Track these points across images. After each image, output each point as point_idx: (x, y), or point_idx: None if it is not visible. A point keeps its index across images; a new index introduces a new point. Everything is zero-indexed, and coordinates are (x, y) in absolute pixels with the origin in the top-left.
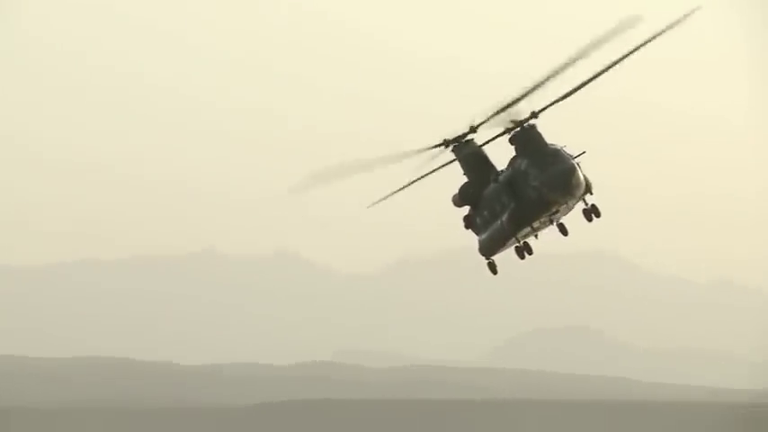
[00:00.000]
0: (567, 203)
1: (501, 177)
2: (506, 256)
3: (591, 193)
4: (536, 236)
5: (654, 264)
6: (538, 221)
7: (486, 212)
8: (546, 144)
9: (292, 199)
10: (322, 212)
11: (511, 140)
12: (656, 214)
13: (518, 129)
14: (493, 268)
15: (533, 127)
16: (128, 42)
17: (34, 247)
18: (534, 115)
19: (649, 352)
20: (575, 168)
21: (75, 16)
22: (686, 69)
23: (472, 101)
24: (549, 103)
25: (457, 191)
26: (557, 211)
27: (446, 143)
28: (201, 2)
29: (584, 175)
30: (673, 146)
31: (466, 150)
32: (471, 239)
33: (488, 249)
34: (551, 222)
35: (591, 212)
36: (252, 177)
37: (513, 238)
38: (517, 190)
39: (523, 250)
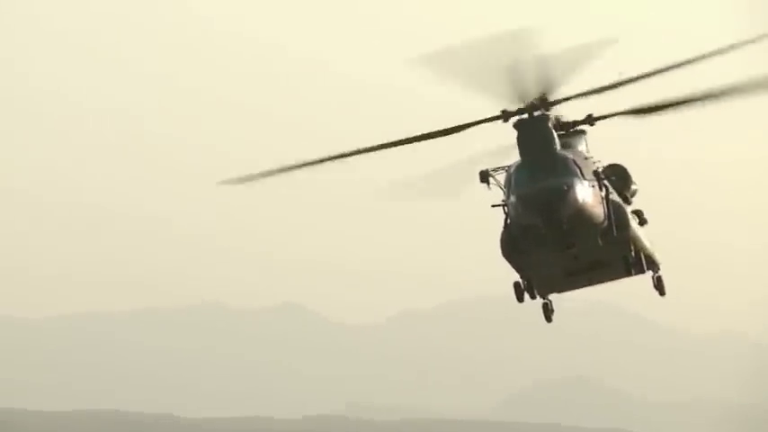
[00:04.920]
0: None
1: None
2: (512, 307)
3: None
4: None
5: (656, 313)
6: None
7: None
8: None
9: (296, 249)
10: (326, 262)
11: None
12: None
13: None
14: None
15: (543, 121)
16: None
17: (35, 298)
18: (591, 121)
19: (653, 403)
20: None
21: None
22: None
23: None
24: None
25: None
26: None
27: (505, 115)
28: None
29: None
30: (673, 193)
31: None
32: (476, 290)
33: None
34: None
35: (659, 285)
36: (255, 226)
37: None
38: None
39: (550, 311)
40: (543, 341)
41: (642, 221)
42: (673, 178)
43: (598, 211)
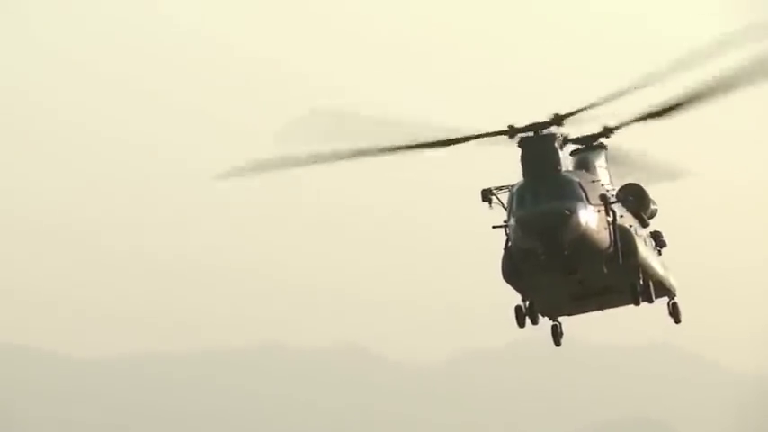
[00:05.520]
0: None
1: None
2: (576, 345)
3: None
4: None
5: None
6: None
7: None
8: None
9: (354, 288)
10: (385, 300)
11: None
12: (722, 301)
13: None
14: (554, 334)
15: (548, 139)
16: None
17: (93, 338)
18: (607, 133)
19: None
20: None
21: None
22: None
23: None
24: (633, 118)
25: None
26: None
27: (511, 131)
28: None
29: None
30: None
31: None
32: (536, 329)
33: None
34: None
35: (674, 311)
36: (310, 264)
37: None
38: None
39: (559, 334)
40: (605, 381)
41: (660, 244)
42: (713, 201)
43: (603, 237)
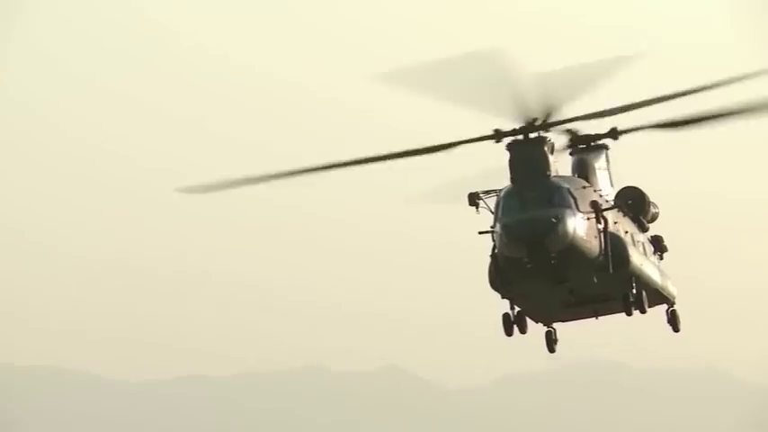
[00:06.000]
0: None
1: None
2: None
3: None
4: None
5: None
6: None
7: None
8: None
9: (396, 311)
10: (427, 323)
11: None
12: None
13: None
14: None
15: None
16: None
17: (137, 362)
18: (614, 135)
19: None
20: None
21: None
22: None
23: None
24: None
25: None
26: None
27: (498, 135)
28: None
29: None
30: None
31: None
32: (586, 354)
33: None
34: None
35: (673, 320)
36: (351, 287)
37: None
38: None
39: (553, 340)
40: (648, 405)
41: (661, 249)
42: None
43: (592, 245)
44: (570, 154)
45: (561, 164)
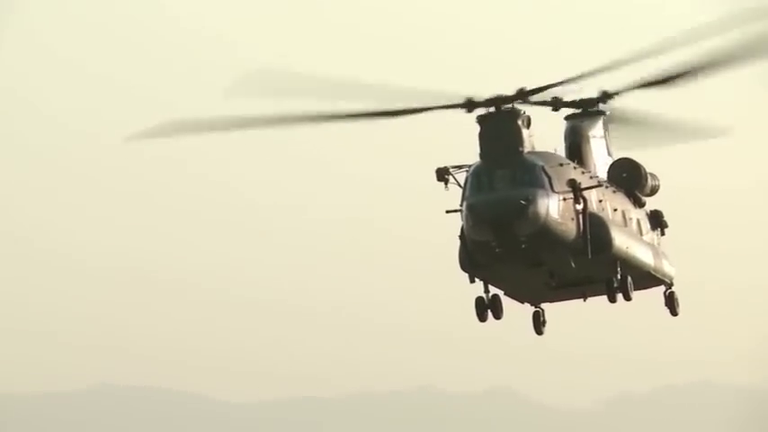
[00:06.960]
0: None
1: None
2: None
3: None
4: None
5: None
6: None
7: None
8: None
9: (501, 333)
10: (537, 344)
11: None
12: None
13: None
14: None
15: (513, 115)
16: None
17: (248, 383)
18: (605, 98)
19: None
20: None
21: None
22: None
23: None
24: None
25: None
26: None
27: (470, 105)
28: None
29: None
30: None
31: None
32: (697, 377)
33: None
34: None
35: (670, 302)
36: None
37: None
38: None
39: (540, 322)
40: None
41: (661, 224)
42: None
43: (568, 228)
44: (565, 119)
45: (557, 130)
